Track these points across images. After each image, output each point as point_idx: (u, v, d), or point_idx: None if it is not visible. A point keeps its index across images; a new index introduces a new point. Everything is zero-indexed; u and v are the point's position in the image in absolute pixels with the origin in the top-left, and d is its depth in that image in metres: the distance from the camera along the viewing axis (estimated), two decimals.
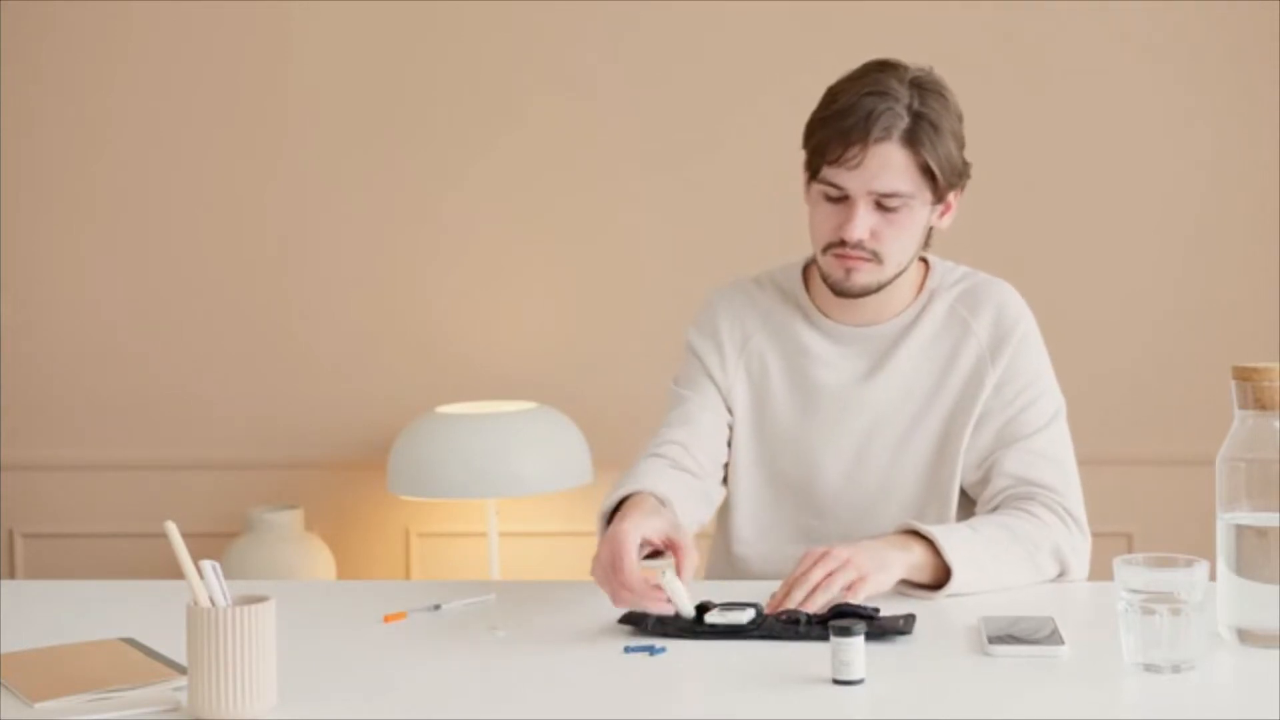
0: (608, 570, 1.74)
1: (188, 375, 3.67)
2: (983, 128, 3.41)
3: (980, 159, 3.54)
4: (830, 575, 1.77)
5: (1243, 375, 1.62)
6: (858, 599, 1.76)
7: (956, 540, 1.87)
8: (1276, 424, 1.61)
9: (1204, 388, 3.26)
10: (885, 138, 1.94)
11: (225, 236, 3.65)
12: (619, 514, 1.87)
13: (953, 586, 1.84)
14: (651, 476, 1.98)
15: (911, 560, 1.85)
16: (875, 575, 1.79)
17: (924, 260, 2.13)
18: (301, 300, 3.65)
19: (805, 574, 1.77)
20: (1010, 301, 2.10)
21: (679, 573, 1.75)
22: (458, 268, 3.62)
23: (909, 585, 1.86)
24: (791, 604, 1.75)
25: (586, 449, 3.39)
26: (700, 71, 3.53)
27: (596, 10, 3.54)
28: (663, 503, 1.91)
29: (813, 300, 2.13)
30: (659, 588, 1.72)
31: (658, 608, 1.73)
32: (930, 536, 1.86)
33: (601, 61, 3.56)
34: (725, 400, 2.13)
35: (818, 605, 1.74)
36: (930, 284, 2.11)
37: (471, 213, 3.61)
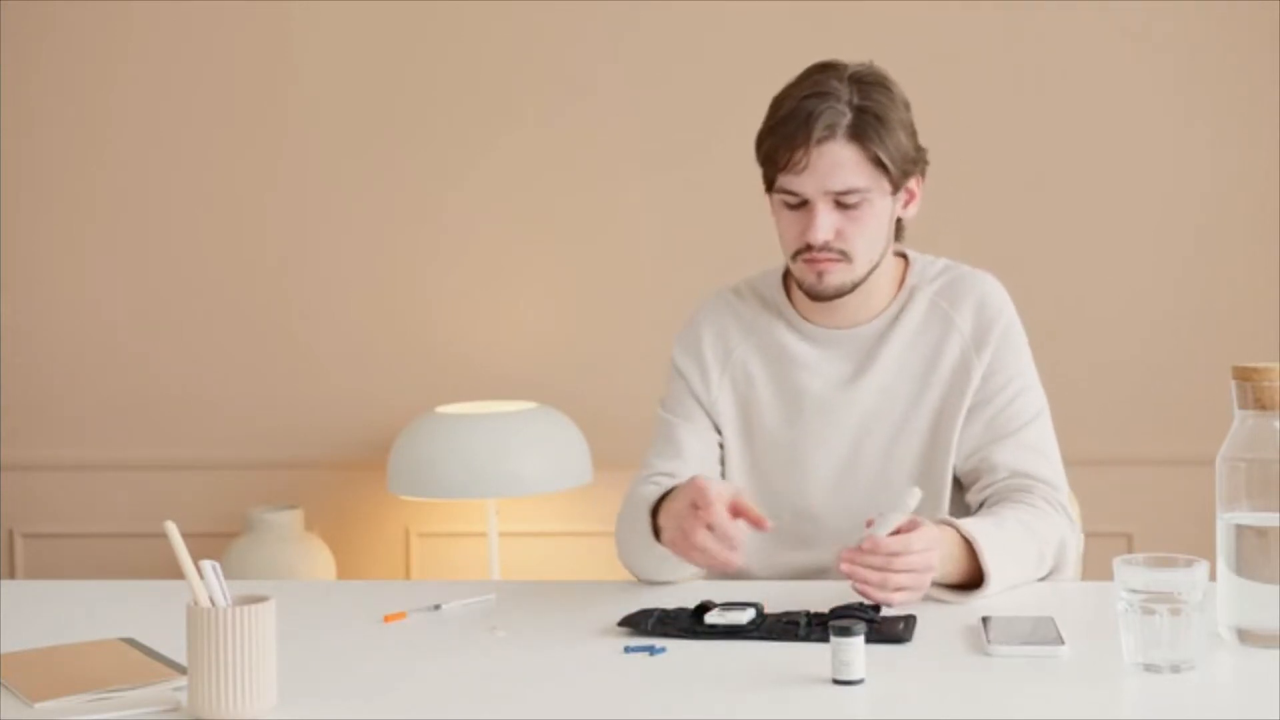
0: (687, 513, 1.77)
1: (188, 375, 3.67)
2: (982, 127, 3.44)
3: (980, 158, 3.55)
4: (909, 574, 1.74)
5: (1243, 375, 1.62)
6: (890, 607, 1.76)
7: (995, 550, 1.85)
8: (1276, 424, 1.61)
9: (1204, 388, 3.26)
10: (829, 136, 1.95)
11: (225, 237, 3.65)
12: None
13: (981, 595, 1.84)
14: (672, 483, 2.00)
15: (941, 575, 1.83)
16: (920, 594, 1.77)
17: (903, 256, 2.13)
18: (301, 300, 3.65)
19: (899, 560, 1.74)
20: (991, 293, 2.09)
21: (761, 524, 1.78)
22: (458, 268, 3.62)
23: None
24: (861, 571, 1.73)
25: (586, 449, 3.39)
26: (700, 71, 3.53)
27: (596, 10, 3.54)
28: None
29: (794, 305, 2.13)
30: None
31: (725, 560, 1.75)
32: (975, 546, 1.84)
33: (601, 62, 3.56)
34: (711, 419, 2.13)
35: (876, 596, 1.74)
36: (910, 280, 2.11)
37: (471, 213, 3.61)
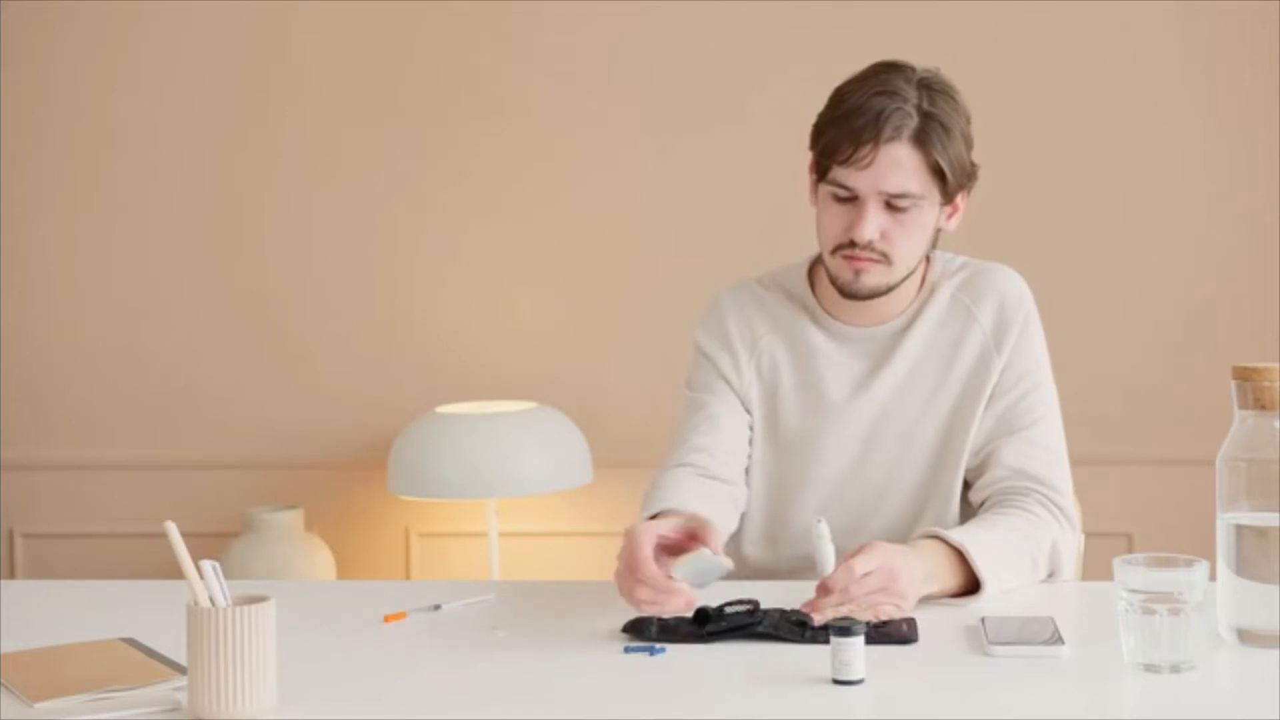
0: (624, 572, 1.75)
1: (188, 375, 3.67)
2: (983, 126, 3.42)
3: (981, 157, 3.54)
4: (879, 592, 1.73)
5: (1243, 375, 1.62)
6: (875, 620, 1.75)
7: (987, 556, 1.84)
8: (1276, 424, 1.61)
9: (1204, 388, 3.26)
10: (896, 137, 1.93)
11: (225, 236, 3.65)
12: None
13: (979, 599, 1.83)
14: (679, 491, 1.99)
15: (939, 589, 1.83)
16: (907, 606, 1.76)
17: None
18: (301, 301, 3.65)
19: (854, 585, 1.72)
20: (1012, 287, 2.09)
21: (713, 547, 1.75)
22: (457, 267, 3.62)
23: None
24: (828, 610, 1.71)
25: (586, 449, 3.38)
26: (701, 70, 3.53)
27: (595, 9, 3.54)
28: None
29: (819, 301, 2.12)
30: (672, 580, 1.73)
31: (673, 606, 1.72)
32: (966, 555, 1.84)
33: (600, 60, 3.56)
34: (743, 402, 2.12)
35: (855, 615, 1.72)
36: (931, 277, 2.11)
37: (471, 212, 3.61)
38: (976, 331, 2.06)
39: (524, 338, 3.61)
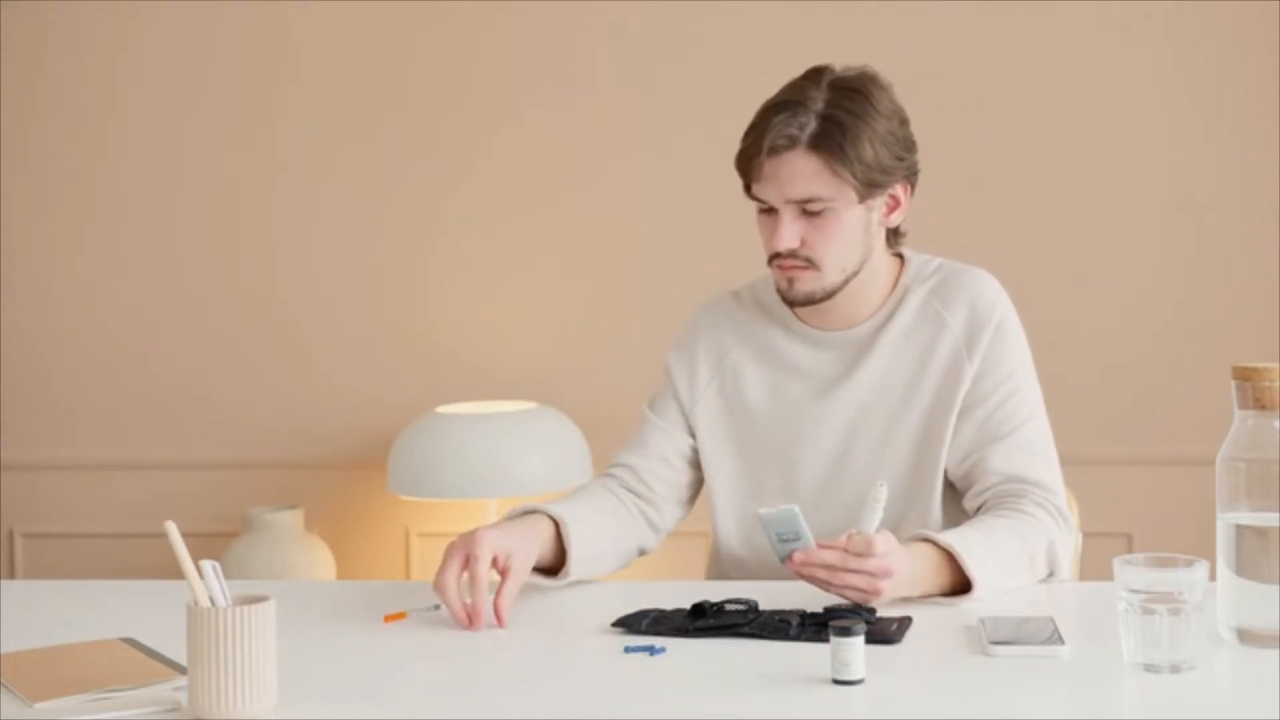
0: (455, 566, 1.80)
1: (188, 375, 3.67)
2: (982, 127, 3.44)
3: (979, 158, 3.54)
4: (862, 576, 1.74)
5: (1243, 375, 1.62)
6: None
7: (978, 557, 1.84)
8: (1276, 424, 1.61)
9: (1204, 388, 3.26)
10: (788, 145, 1.95)
11: (225, 237, 3.66)
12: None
13: (972, 599, 1.83)
14: (575, 499, 2.05)
15: (921, 592, 1.83)
16: (884, 599, 1.77)
17: (900, 256, 2.12)
18: (301, 301, 3.65)
19: (848, 563, 1.74)
20: (984, 292, 2.07)
21: (497, 594, 1.79)
22: (457, 268, 3.62)
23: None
24: (809, 568, 1.75)
25: (586, 449, 3.39)
26: (700, 70, 3.53)
27: (594, 9, 3.54)
28: (559, 526, 1.94)
29: (790, 308, 2.12)
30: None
31: (460, 616, 1.78)
32: (955, 556, 1.83)
33: (600, 60, 3.56)
34: (687, 420, 2.14)
35: (824, 588, 1.76)
36: (904, 280, 2.10)
37: (471, 212, 3.61)
38: (948, 337, 2.05)
39: (524, 338, 3.61)
